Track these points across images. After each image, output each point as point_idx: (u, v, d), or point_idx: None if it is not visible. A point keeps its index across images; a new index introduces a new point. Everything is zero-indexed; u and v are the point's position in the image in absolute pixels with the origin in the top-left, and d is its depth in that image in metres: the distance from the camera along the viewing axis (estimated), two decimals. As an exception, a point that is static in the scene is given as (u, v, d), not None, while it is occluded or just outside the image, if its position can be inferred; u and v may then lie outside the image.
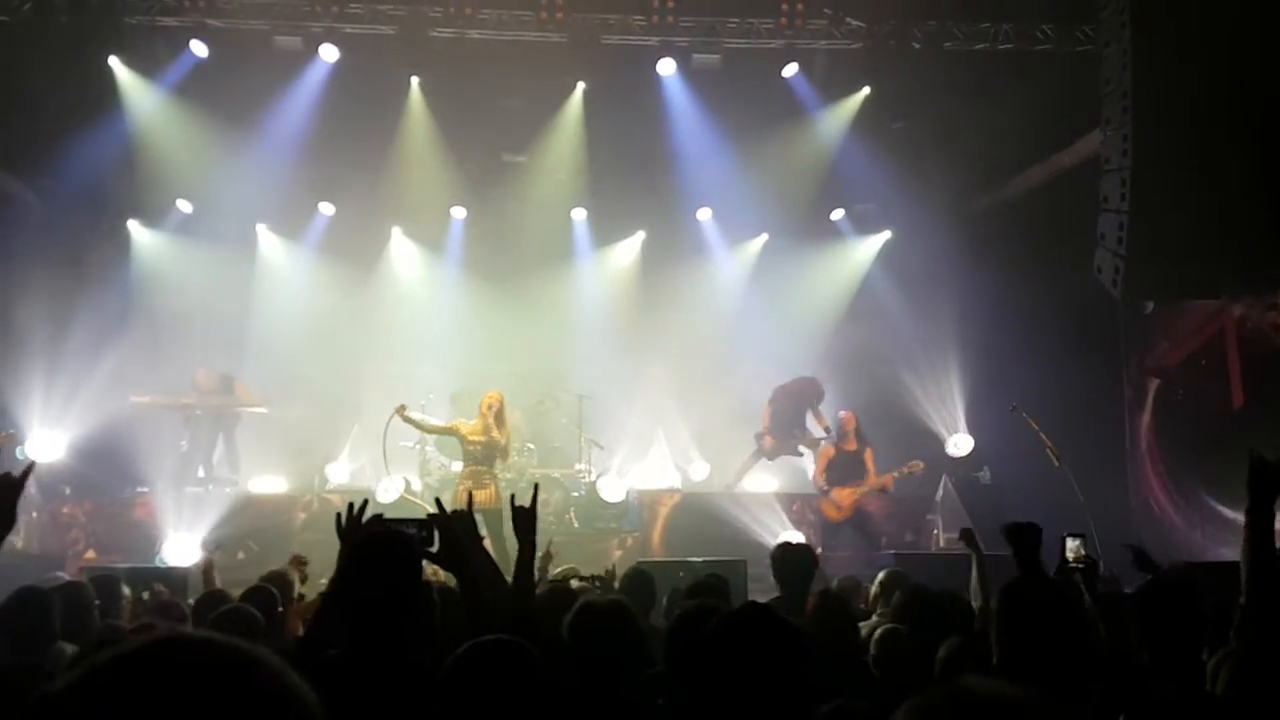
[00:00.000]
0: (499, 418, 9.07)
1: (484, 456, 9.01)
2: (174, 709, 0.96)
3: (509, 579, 3.37)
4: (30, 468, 2.87)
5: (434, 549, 3.03)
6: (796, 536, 9.98)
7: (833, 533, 10.38)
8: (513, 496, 3.57)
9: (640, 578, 5.28)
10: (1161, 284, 10.38)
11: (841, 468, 10.47)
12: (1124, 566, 8.36)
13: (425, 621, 2.75)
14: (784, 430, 11.98)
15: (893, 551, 10.08)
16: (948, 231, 11.97)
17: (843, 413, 10.69)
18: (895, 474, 10.51)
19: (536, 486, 3.49)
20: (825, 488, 10.42)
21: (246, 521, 10.57)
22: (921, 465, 10.76)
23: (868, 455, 10.54)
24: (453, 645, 2.64)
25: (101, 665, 0.99)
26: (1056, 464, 9.79)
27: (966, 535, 5.71)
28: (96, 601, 4.51)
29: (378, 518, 3.07)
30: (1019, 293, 11.37)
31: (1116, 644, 3.79)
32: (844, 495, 10.32)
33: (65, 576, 7.31)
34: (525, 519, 3.33)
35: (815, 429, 12.14)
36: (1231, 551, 9.94)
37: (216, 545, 8.04)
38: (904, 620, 4.31)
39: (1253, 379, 10.28)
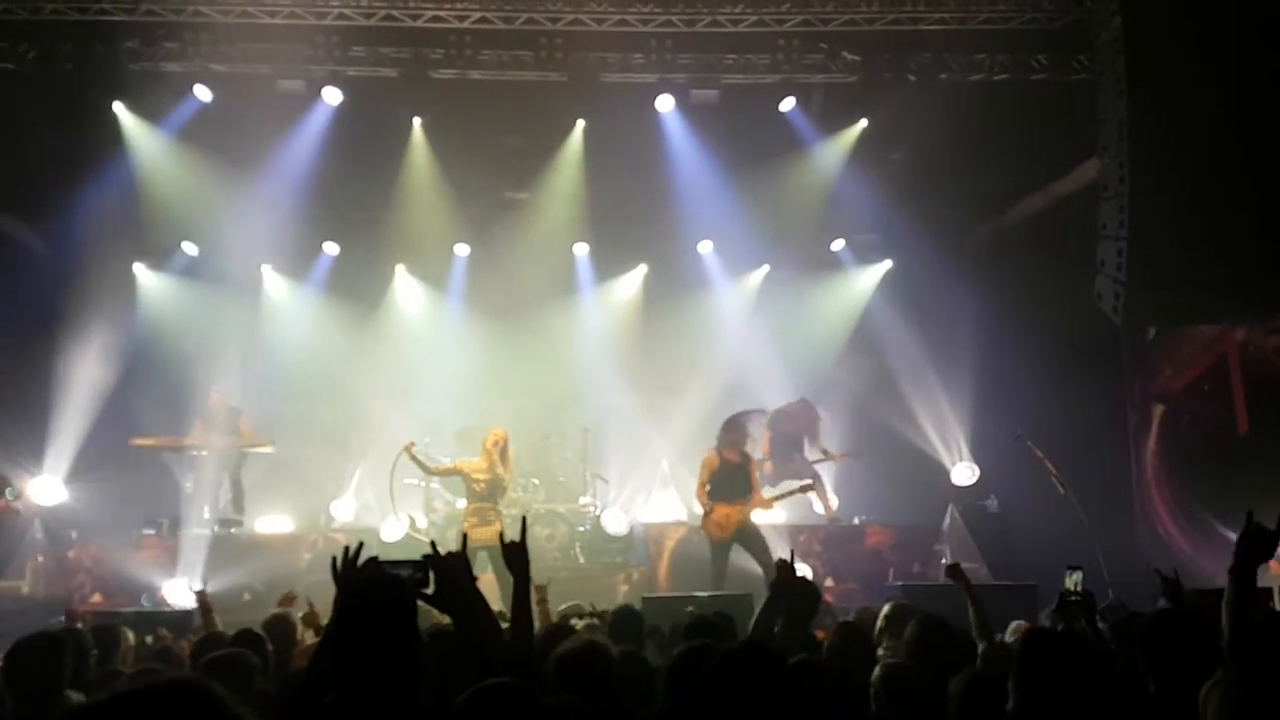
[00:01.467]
0: (503, 454, 9.08)
1: (489, 493, 9.02)
2: None
3: (501, 610, 3.37)
4: None
5: (429, 590, 3.02)
6: (803, 569, 9.91)
7: (720, 553, 9.40)
8: (500, 534, 3.55)
9: (628, 615, 5.26)
10: (1162, 309, 10.39)
11: (726, 482, 9.45)
12: (1132, 593, 8.34)
13: (418, 663, 2.74)
14: (783, 455, 11.95)
15: (900, 583, 10.02)
16: (948, 260, 12.00)
17: (765, 431, 10.18)
18: (780, 494, 9.93)
19: (525, 520, 3.49)
20: (709, 505, 9.41)
21: (252, 562, 10.55)
22: (807, 486, 10.42)
23: (753, 468, 9.71)
24: (448, 686, 2.66)
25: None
26: (1062, 491, 9.76)
27: (953, 571, 5.49)
28: (94, 651, 4.49)
29: (373, 560, 3.08)
30: (1021, 320, 11.38)
31: (1125, 675, 3.76)
32: (729, 512, 9.35)
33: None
34: (516, 554, 3.31)
35: (811, 453, 12.10)
36: (1241, 577, 9.90)
37: (204, 583, 7.99)
38: (917, 654, 4.22)
39: (1257, 403, 10.25)
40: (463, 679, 2.64)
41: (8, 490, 10.81)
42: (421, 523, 11.19)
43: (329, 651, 2.89)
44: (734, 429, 9.63)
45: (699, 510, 12.40)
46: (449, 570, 2.99)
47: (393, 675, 2.65)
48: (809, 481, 10.62)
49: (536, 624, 5.08)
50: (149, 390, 11.95)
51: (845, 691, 3.65)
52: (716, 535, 9.38)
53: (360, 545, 3.16)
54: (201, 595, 6.58)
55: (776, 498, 9.89)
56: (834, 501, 12.02)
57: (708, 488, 9.44)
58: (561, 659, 3.15)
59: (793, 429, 12.13)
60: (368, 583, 2.88)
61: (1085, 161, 11.12)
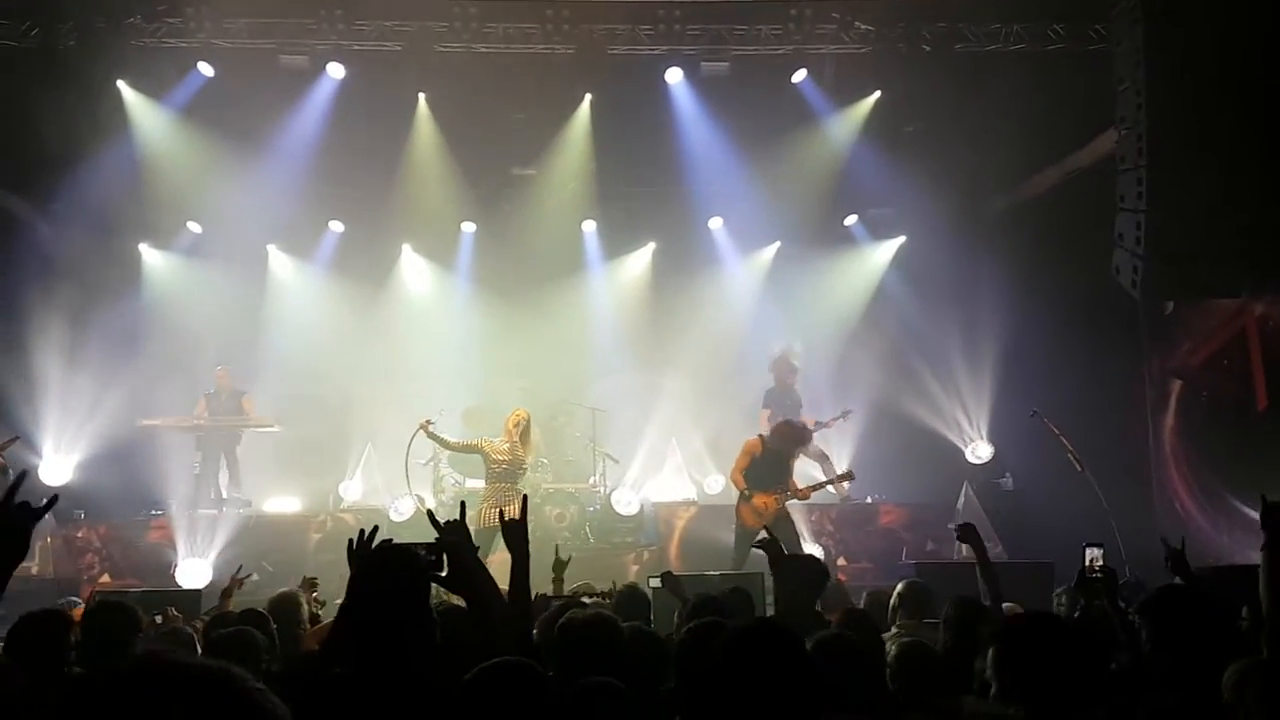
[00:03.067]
0: (524, 436, 8.98)
1: (509, 474, 8.92)
2: None
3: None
4: (54, 499, 2.84)
5: (443, 572, 3.05)
6: (814, 548, 9.84)
7: (747, 540, 9.09)
8: (501, 513, 3.53)
9: (633, 594, 5.21)
10: (1181, 283, 10.22)
11: (764, 468, 9.31)
12: (1150, 571, 8.23)
13: (430, 640, 2.77)
14: None
15: (914, 561, 9.94)
16: (963, 235, 11.85)
17: (763, 410, 9.79)
18: (814, 487, 9.66)
19: (525, 499, 3.46)
20: (747, 491, 9.25)
21: (260, 542, 10.52)
22: (846, 475, 10.17)
23: (791, 458, 9.52)
24: (459, 665, 2.67)
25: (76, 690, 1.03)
26: (1079, 469, 9.64)
27: (966, 531, 5.22)
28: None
29: (386, 541, 3.06)
30: (1037, 295, 11.23)
31: (1137, 653, 3.71)
32: (767, 501, 9.18)
33: (80, 602, 7.27)
34: (515, 532, 3.31)
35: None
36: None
37: (241, 569, 7.97)
38: (956, 635, 4.19)
39: (1277, 378, 10.10)
40: (473, 658, 2.66)
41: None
42: (430, 503, 11.12)
43: (342, 627, 2.94)
44: (785, 434, 9.44)
45: (711, 490, 12.40)
46: (463, 553, 2.98)
47: (403, 651, 2.68)
48: (849, 470, 10.45)
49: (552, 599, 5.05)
50: (155, 370, 11.90)
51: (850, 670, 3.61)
52: (750, 523, 9.20)
53: (375, 529, 3.21)
54: (234, 579, 6.51)
55: (813, 488, 9.65)
56: (845, 483, 11.91)
57: (745, 471, 9.30)
58: (565, 628, 3.11)
59: (785, 398, 11.98)
60: (380, 559, 2.91)
61: (1103, 133, 10.93)
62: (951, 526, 10.96)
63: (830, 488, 11.63)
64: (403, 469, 10.60)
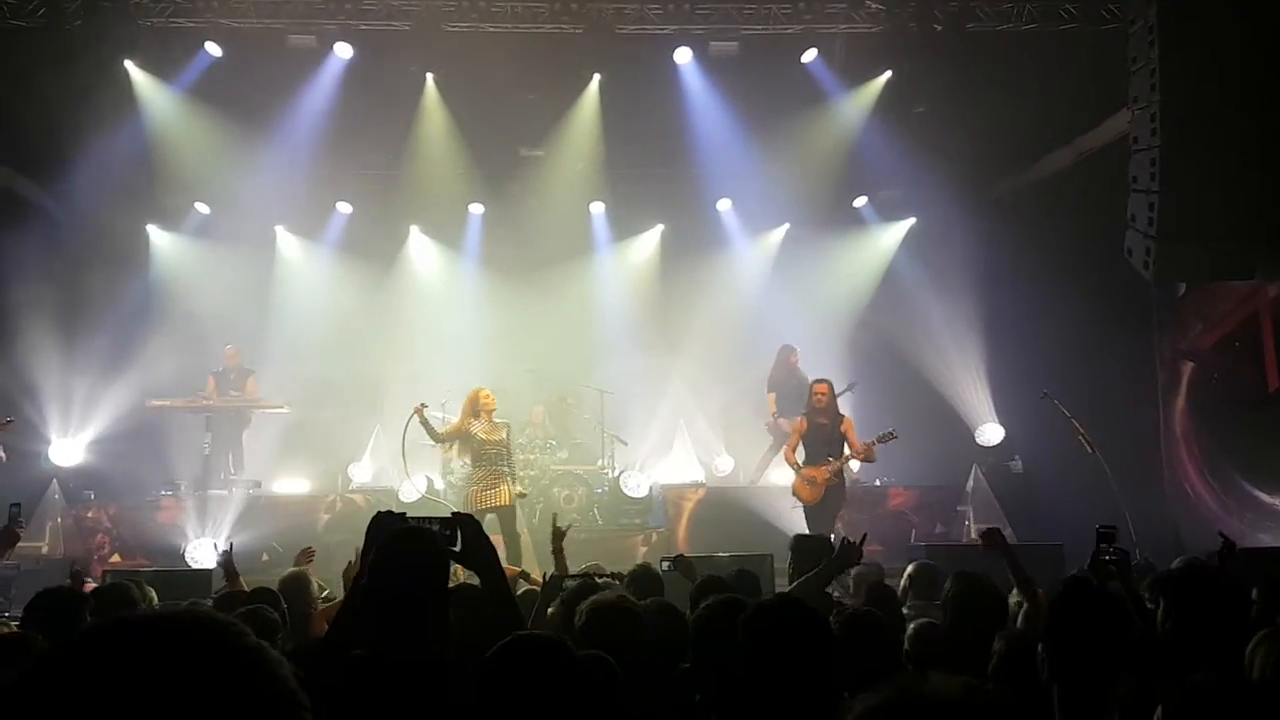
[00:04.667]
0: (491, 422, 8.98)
1: (496, 457, 8.92)
2: (142, 677, 0.96)
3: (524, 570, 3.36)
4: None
5: (457, 548, 3.01)
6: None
7: (812, 515, 9.25)
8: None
9: (647, 574, 5.20)
10: (1193, 265, 10.13)
11: (816, 443, 9.38)
12: (1160, 554, 8.22)
13: (446, 619, 2.75)
14: (792, 411, 11.79)
15: (923, 544, 9.93)
16: (974, 216, 11.77)
17: (815, 383, 9.81)
18: (873, 442, 9.50)
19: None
20: (799, 465, 9.33)
21: (270, 523, 10.53)
22: (894, 434, 9.84)
23: (846, 426, 9.51)
24: (473, 643, 2.64)
25: (67, 646, 1.00)
26: (1090, 451, 9.61)
27: (990, 536, 5.15)
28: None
29: (401, 516, 3.03)
30: (1048, 277, 11.17)
31: (1151, 633, 3.70)
32: (815, 474, 9.26)
33: (91, 581, 7.31)
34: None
35: None
36: (1271, 537, 9.75)
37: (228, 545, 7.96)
38: (956, 611, 4.19)
39: (1289, 361, 10.04)
40: (491, 636, 2.60)
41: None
42: (439, 484, 11.12)
43: (357, 606, 2.89)
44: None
45: (720, 472, 12.40)
46: (478, 528, 2.97)
47: (422, 630, 2.66)
48: (892, 430, 10.34)
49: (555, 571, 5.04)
50: (163, 352, 11.90)
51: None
52: (806, 497, 9.34)
53: (404, 514, 3.13)
54: (226, 557, 6.40)
55: (868, 445, 9.43)
56: (854, 463, 11.87)
57: (797, 449, 9.46)
58: (592, 612, 3.08)
59: (786, 378, 11.95)
60: (400, 536, 2.85)
61: (1115, 113, 10.84)
62: (970, 524, 11.02)
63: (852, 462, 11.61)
64: (400, 454, 10.46)
